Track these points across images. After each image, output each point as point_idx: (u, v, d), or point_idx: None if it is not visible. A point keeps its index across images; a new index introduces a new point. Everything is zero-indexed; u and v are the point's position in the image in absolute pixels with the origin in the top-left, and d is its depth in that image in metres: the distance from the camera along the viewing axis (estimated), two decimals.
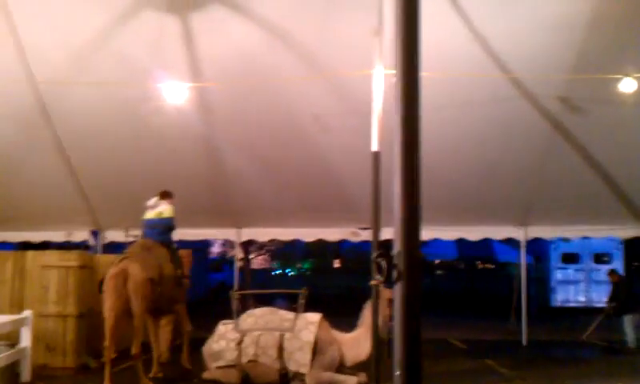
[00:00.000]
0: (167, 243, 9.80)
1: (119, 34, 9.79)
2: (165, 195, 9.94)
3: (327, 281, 37.78)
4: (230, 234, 14.49)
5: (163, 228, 9.79)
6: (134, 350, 8.81)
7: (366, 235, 12.09)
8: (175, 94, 9.98)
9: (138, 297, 8.77)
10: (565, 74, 9.74)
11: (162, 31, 9.70)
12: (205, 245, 26.44)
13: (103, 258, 11.61)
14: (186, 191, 12.69)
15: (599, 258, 20.78)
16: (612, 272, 14.16)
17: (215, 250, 38.43)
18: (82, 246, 14.23)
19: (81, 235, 14.26)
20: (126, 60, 10.20)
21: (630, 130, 11.04)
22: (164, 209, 9.84)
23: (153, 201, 9.90)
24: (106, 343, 8.66)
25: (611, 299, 13.65)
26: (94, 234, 14.23)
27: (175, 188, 12.59)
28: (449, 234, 13.98)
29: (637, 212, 12.86)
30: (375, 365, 8.15)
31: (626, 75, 9.39)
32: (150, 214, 9.84)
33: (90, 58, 10.22)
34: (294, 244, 21.36)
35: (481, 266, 33.22)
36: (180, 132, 11.41)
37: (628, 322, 12.86)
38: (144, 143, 11.78)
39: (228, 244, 32.05)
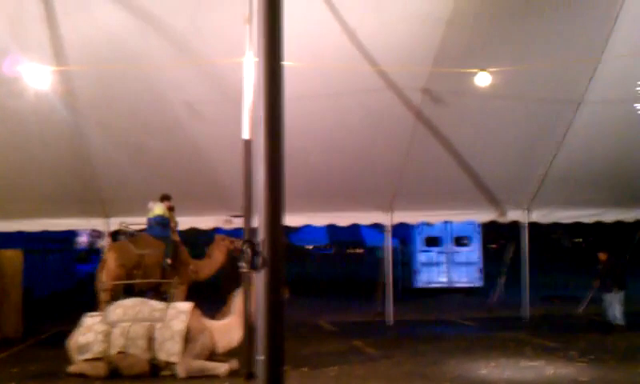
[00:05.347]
0: (160, 237, 11.23)
1: None
2: (162, 198, 11.43)
3: None
4: (98, 223, 13.95)
5: (156, 225, 11.31)
6: None
7: (238, 223, 12.11)
8: (37, 77, 9.47)
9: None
10: (427, 67, 10.26)
11: (22, 10, 9.17)
12: (71, 235, 25.32)
13: None
14: (51, 180, 12.14)
15: (459, 241, 22.05)
16: (602, 252, 13.47)
17: (83, 240, 36.84)
18: None
19: None
20: None
21: (487, 121, 11.83)
22: (156, 208, 11.36)
23: (151, 203, 11.40)
24: None
25: (599, 277, 13.31)
26: None
27: (38, 176, 12.03)
28: (320, 219, 14.33)
29: (492, 197, 13.79)
30: (246, 351, 8.28)
31: (482, 69, 10.03)
32: (148, 214, 11.43)
33: None
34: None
35: (350, 251, 34.16)
36: (42, 117, 10.82)
37: (614, 299, 12.71)
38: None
39: (97, 233, 30.84)
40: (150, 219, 11.42)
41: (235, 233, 13.30)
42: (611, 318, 12.63)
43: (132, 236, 11.74)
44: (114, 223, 13.77)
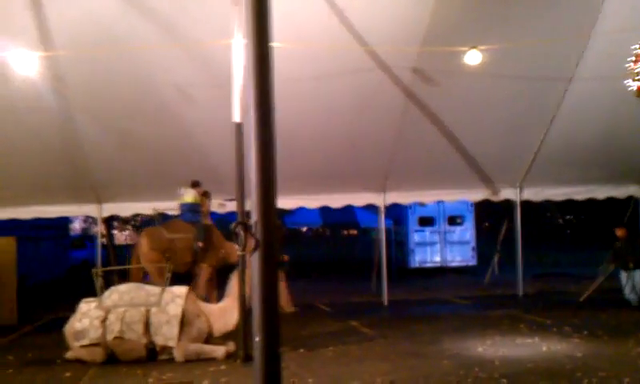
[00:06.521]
0: (191, 222, 11.85)
1: None
2: (193, 184, 11.89)
3: None
4: (90, 209, 13.94)
5: (187, 211, 11.94)
6: None
7: (232, 206, 12.13)
8: (24, 63, 9.40)
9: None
10: (416, 47, 10.23)
11: None
12: (65, 221, 25.26)
13: None
14: (41, 167, 12.10)
15: (453, 220, 22.14)
16: (619, 227, 13.25)
17: (77, 226, 36.85)
18: None
19: None
20: None
21: (477, 100, 11.82)
22: (187, 195, 11.91)
23: (182, 189, 11.90)
24: None
25: (616, 255, 13.03)
26: None
27: (28, 164, 11.97)
28: (313, 202, 14.35)
29: (484, 176, 13.84)
30: (243, 333, 8.32)
31: (473, 47, 10.02)
32: (179, 200, 12.01)
33: None
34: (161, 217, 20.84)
35: (345, 232, 34.23)
36: (31, 104, 10.73)
37: (633, 276, 12.56)
38: None
39: (91, 220, 30.84)
40: (181, 205, 12.05)
41: (229, 216, 13.34)
42: (629, 295, 12.53)
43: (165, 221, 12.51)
44: (106, 209, 13.78)
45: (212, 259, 12.01)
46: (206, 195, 12.15)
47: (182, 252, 11.74)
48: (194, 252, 11.80)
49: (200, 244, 11.75)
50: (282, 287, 12.92)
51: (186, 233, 11.80)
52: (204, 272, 11.88)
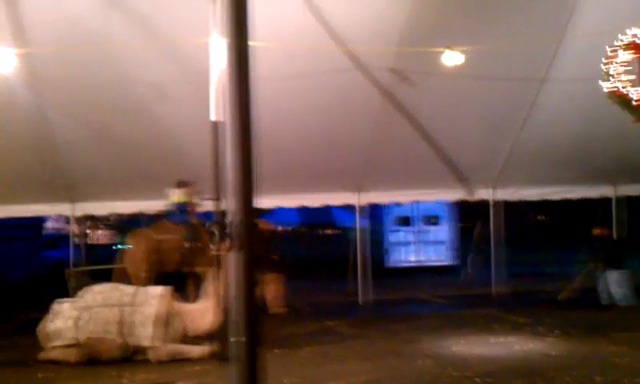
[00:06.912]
0: (179, 222, 11.74)
1: None
2: (179, 184, 11.67)
3: None
4: (63, 209, 13.73)
5: (174, 211, 11.85)
6: None
7: (208, 205, 12.05)
8: None
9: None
10: (393, 47, 10.27)
11: None
12: (38, 221, 24.92)
13: None
14: (13, 165, 11.90)
15: (429, 220, 22.24)
16: (599, 227, 13.44)
17: (51, 225, 36.32)
18: None
19: None
20: None
21: (453, 100, 11.89)
22: (173, 196, 11.79)
23: (168, 190, 11.76)
24: None
25: (597, 254, 13.10)
26: None
27: (0, 162, 11.77)
28: (290, 201, 14.33)
29: (460, 176, 13.91)
30: (220, 333, 8.28)
31: (448, 48, 10.09)
32: (167, 201, 11.91)
33: None
34: (138, 217, 20.64)
35: (322, 232, 34.26)
36: (3, 100, 10.56)
37: (613, 278, 12.64)
38: None
39: (64, 219, 30.47)
40: (169, 206, 11.97)
41: (206, 215, 13.26)
42: (606, 297, 12.61)
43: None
44: (80, 208, 13.59)
45: (203, 260, 11.63)
46: (194, 194, 11.91)
47: (170, 253, 11.69)
48: (181, 253, 11.71)
49: (187, 244, 11.64)
50: (278, 287, 12.98)
51: (173, 233, 11.73)
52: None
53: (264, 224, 13.15)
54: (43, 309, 9.07)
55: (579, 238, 15.82)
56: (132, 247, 11.80)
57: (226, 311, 7.56)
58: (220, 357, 8.21)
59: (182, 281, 11.73)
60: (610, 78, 8.26)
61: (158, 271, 11.55)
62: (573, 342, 9.30)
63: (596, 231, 13.25)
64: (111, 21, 9.44)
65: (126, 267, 11.61)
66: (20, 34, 9.42)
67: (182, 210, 11.85)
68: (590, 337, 9.58)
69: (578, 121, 12.42)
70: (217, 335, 8.38)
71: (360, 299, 14.15)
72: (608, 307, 12.42)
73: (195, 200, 11.88)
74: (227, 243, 2.48)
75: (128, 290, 9.02)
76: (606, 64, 8.31)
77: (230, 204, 2.57)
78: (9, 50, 9.23)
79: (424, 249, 21.97)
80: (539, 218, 43.04)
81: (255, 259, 2.54)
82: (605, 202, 15.12)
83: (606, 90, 8.34)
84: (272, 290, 12.89)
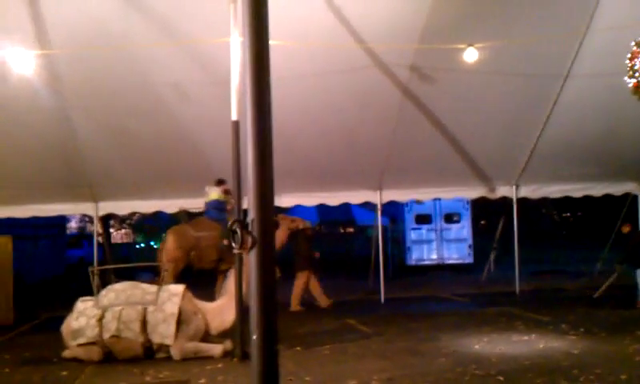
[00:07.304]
0: (217, 220, 11.98)
1: None
2: (218, 182, 11.91)
3: None
4: (86, 208, 13.90)
5: (212, 208, 12.10)
6: None
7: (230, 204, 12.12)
8: (20, 61, 9.36)
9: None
10: (414, 44, 10.22)
11: None
12: (62, 220, 25.25)
13: None
14: (38, 165, 12.08)
15: (449, 218, 22.14)
16: (626, 224, 13.14)
17: (74, 225, 36.81)
18: None
19: None
20: None
21: (474, 97, 11.81)
22: (212, 193, 12.05)
23: (207, 188, 12.03)
24: None
25: (628, 251, 12.69)
26: None
27: (25, 163, 11.95)
28: (310, 200, 14.35)
29: (481, 173, 13.84)
30: (240, 331, 8.31)
31: (470, 45, 10.01)
32: (205, 198, 12.15)
33: None
34: (158, 216, 20.85)
35: (341, 230, 34.24)
36: (27, 102, 10.70)
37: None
38: None
39: (88, 218, 30.88)
40: (207, 203, 12.15)
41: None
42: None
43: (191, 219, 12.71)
44: (102, 208, 13.74)
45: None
46: (228, 192, 12.02)
47: (208, 250, 11.89)
48: (219, 250, 11.82)
49: (225, 242, 11.58)
50: (315, 283, 13.48)
51: (211, 231, 11.88)
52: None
53: (306, 224, 13.47)
54: (67, 307, 9.17)
55: (603, 235, 15.59)
56: (170, 243, 11.88)
57: (245, 309, 7.58)
58: (240, 355, 8.25)
59: (206, 278, 11.98)
60: (635, 74, 8.13)
61: (196, 268, 11.85)
62: (596, 340, 9.19)
63: (625, 229, 13.05)
64: (132, 22, 9.51)
65: (161, 263, 11.65)
66: (42, 36, 9.53)
67: (220, 208, 12.01)
68: (614, 335, 9.46)
69: (601, 117, 12.29)
70: (237, 333, 8.42)
71: (381, 297, 14.13)
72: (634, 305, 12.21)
73: (232, 198, 12.00)
74: (247, 242, 2.48)
75: (150, 288, 9.07)
76: (630, 59, 8.18)
77: (250, 202, 2.58)
78: (31, 52, 9.34)
79: (445, 247, 21.87)
80: (563, 215, 42.67)
81: (272, 257, 2.54)
82: (631, 198, 14.92)
83: (630, 85, 8.21)
84: (315, 286, 13.46)
